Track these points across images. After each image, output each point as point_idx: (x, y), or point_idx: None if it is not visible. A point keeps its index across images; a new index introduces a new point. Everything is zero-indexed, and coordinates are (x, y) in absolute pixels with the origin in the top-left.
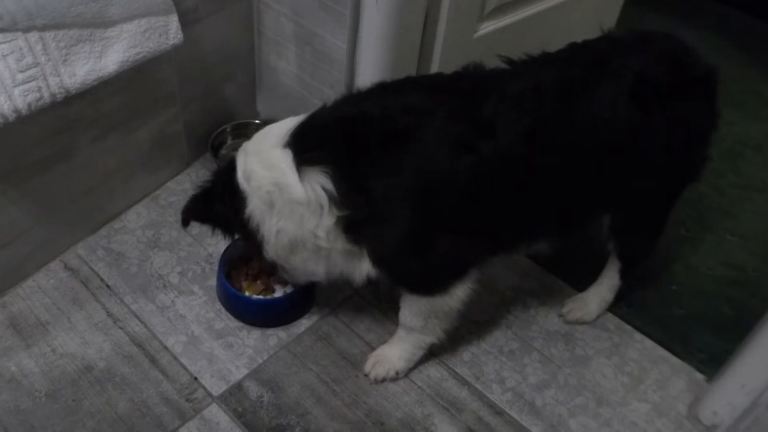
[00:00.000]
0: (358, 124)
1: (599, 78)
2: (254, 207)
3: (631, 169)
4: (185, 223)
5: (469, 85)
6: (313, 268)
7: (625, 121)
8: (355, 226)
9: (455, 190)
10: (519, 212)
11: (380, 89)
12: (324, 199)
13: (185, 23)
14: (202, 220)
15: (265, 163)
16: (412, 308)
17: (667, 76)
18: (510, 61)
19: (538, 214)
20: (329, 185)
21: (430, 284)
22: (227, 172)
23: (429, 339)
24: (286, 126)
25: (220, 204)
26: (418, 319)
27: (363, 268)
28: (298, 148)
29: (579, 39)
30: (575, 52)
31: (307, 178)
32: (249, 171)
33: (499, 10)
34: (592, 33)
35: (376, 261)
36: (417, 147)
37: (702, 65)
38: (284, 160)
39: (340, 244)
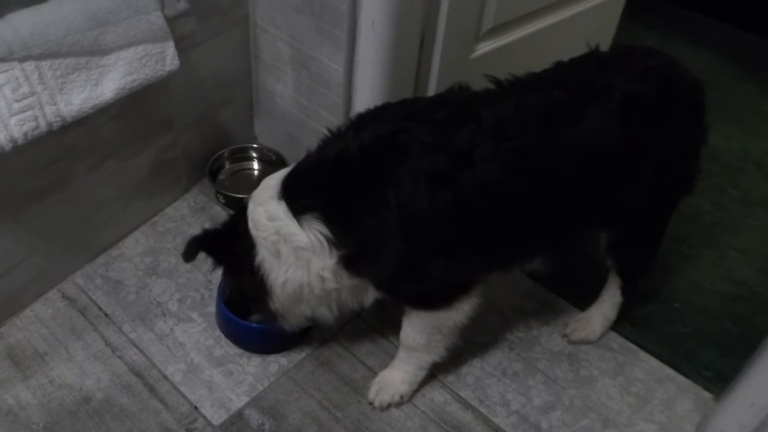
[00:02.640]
0: (339, 165)
1: (585, 99)
2: (263, 257)
3: (620, 187)
4: (191, 255)
5: (445, 114)
6: (323, 313)
7: (613, 142)
8: (353, 261)
9: (439, 222)
10: (507, 234)
11: (358, 123)
12: (324, 242)
13: (182, 49)
14: (212, 254)
15: (268, 214)
16: (416, 325)
17: (654, 93)
18: (496, 81)
19: (528, 234)
20: (324, 229)
21: (434, 301)
22: (240, 217)
23: (430, 358)
24: (280, 176)
25: (236, 244)
26: (422, 336)
27: (371, 295)
28: (289, 198)
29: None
30: (560, 72)
31: (305, 225)
32: (256, 221)
33: (495, 31)
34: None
35: (379, 288)
36: (397, 185)
37: (688, 80)
38: (281, 211)
39: (346, 279)
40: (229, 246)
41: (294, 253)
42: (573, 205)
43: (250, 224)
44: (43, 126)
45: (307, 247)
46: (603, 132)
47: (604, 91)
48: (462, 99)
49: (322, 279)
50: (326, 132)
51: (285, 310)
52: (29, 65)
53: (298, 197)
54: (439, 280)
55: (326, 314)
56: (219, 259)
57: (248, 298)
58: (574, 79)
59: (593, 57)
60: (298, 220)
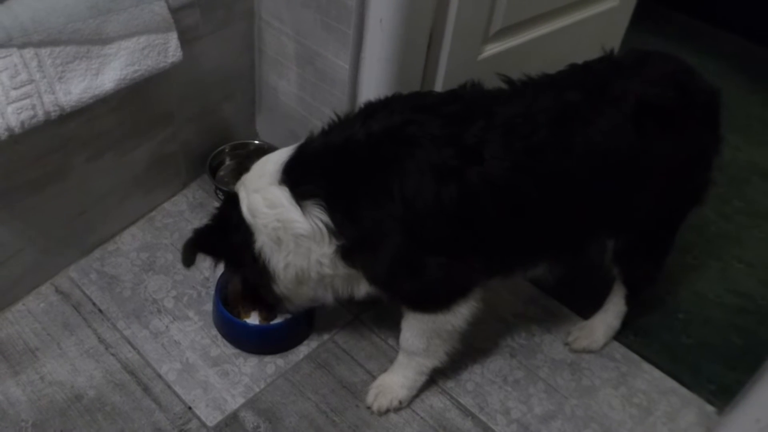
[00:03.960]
0: (345, 152)
1: (599, 102)
2: (263, 243)
3: (631, 195)
4: (189, 260)
5: (457, 109)
6: (321, 294)
7: (626, 146)
8: (350, 251)
9: (442, 217)
10: (512, 236)
11: (367, 110)
12: (324, 230)
13: (185, 41)
14: (209, 252)
15: (267, 201)
16: (414, 328)
17: (670, 99)
18: (509, 81)
19: (533, 239)
20: (325, 217)
21: (430, 302)
22: (232, 206)
23: (431, 363)
24: (279, 160)
25: (231, 236)
26: (421, 340)
27: (362, 288)
28: (292, 184)
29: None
30: (575, 74)
31: (307, 212)
32: (253, 208)
33: (504, 33)
34: (595, 56)
35: (372, 282)
36: (402, 177)
37: (705, 87)
38: (284, 197)
39: (341, 269)
40: (225, 239)
41: (294, 240)
42: (581, 210)
43: (245, 211)
44: (40, 115)
45: (308, 235)
46: (616, 136)
47: (619, 95)
48: (475, 95)
49: (320, 264)
50: (332, 116)
51: (289, 292)
52: (28, 52)
53: (302, 182)
54: (436, 279)
55: (325, 295)
56: (218, 255)
57: (253, 285)
58: (589, 82)
59: (608, 60)
60: (300, 206)
